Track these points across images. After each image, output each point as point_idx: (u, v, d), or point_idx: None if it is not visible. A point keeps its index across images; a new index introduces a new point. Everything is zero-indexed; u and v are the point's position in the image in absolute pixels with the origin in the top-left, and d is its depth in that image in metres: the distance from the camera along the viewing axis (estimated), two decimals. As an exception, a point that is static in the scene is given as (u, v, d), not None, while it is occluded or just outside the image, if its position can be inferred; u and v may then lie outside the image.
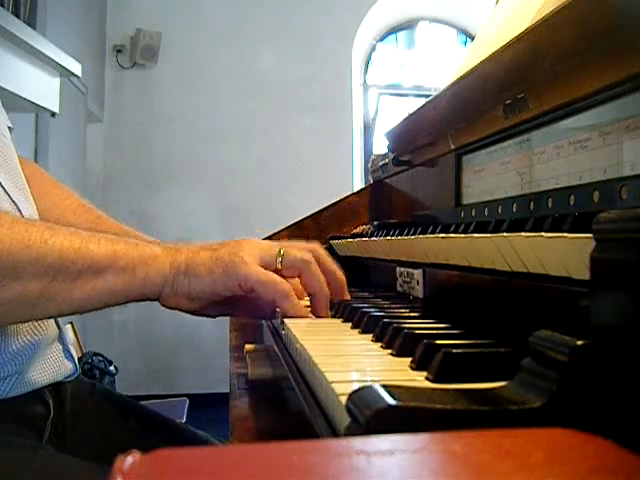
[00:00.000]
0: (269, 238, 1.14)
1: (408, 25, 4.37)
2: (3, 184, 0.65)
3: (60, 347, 0.70)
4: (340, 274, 0.67)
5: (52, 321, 0.68)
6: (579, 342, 0.26)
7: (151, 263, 0.58)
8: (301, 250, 0.64)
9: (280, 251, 0.62)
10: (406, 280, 0.75)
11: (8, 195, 0.64)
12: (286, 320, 0.58)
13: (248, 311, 0.68)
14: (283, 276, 0.61)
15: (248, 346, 0.84)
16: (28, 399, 0.63)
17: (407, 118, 0.98)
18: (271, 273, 0.60)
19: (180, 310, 0.62)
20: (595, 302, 0.29)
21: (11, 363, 0.60)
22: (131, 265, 0.57)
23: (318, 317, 0.64)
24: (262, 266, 0.60)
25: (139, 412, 0.81)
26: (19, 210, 0.65)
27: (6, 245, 0.51)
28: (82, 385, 0.78)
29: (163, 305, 0.61)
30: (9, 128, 0.82)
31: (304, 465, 0.20)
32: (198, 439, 0.80)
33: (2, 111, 0.79)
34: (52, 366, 0.67)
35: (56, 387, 0.70)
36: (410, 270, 0.73)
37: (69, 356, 0.71)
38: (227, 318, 1.15)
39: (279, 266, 0.62)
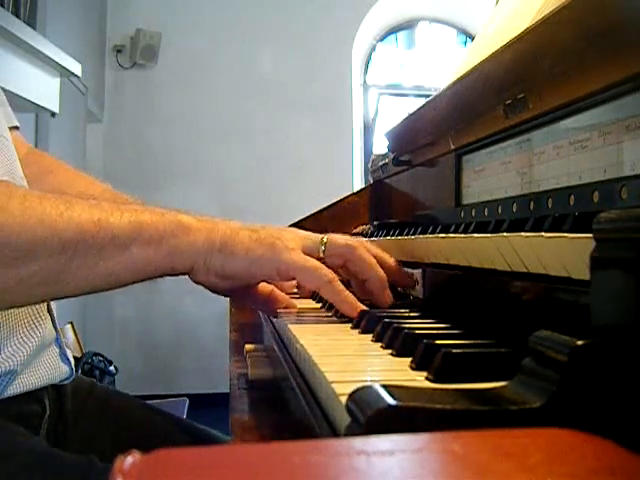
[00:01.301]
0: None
1: (408, 25, 4.37)
2: None
3: (57, 350, 0.69)
4: (391, 260, 0.64)
5: (49, 323, 0.68)
6: (579, 342, 0.26)
7: (180, 235, 0.54)
8: (339, 248, 0.61)
9: (323, 239, 0.60)
10: (406, 280, 0.75)
11: None
12: (287, 321, 0.58)
13: (263, 304, 0.65)
14: (327, 265, 0.59)
15: (248, 346, 0.84)
16: (23, 399, 0.62)
17: (407, 118, 0.98)
18: (314, 260, 0.57)
19: (206, 287, 0.59)
20: (595, 302, 0.29)
21: (5, 363, 0.60)
22: (157, 237, 0.53)
23: (379, 303, 0.61)
24: (305, 254, 0.58)
25: (140, 409, 0.81)
26: None
27: (18, 220, 0.48)
28: (82, 384, 0.78)
29: (193, 280, 0.58)
30: (16, 127, 0.82)
31: (305, 465, 0.20)
32: (200, 435, 0.80)
33: (7, 112, 0.79)
34: (48, 369, 0.66)
35: (55, 387, 0.70)
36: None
37: (65, 359, 0.70)
38: (227, 318, 1.15)
39: (322, 254, 0.59)
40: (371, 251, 0.63)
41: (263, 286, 0.64)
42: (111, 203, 0.55)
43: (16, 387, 0.61)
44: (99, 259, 0.51)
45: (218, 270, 0.56)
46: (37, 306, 0.65)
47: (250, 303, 0.67)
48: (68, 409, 0.71)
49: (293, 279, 0.59)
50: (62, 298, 0.61)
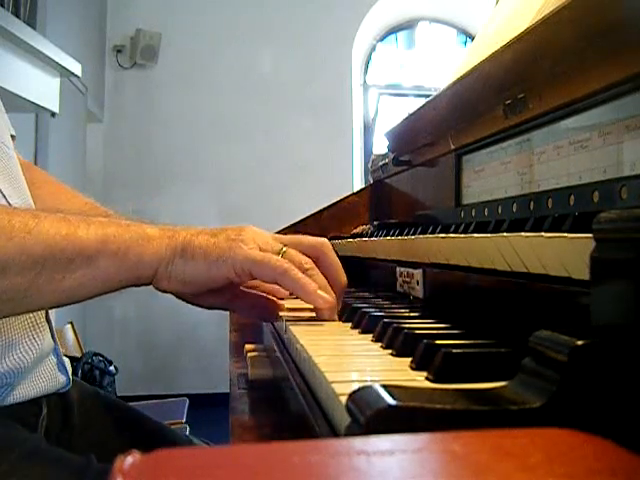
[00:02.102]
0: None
1: (408, 25, 4.37)
2: (5, 193, 0.64)
3: (54, 360, 0.69)
4: (342, 278, 0.63)
5: (48, 334, 0.67)
6: (579, 342, 0.26)
7: (145, 244, 0.56)
8: (306, 248, 0.61)
9: (282, 250, 0.59)
10: (406, 280, 0.75)
11: (9, 204, 0.64)
12: (287, 321, 0.58)
13: (249, 309, 0.65)
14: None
15: (248, 346, 0.84)
16: (20, 405, 0.62)
17: (407, 118, 0.98)
18: (268, 253, 0.57)
19: (173, 294, 0.60)
20: (595, 302, 0.29)
21: (3, 375, 0.59)
22: (123, 248, 0.54)
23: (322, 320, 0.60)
24: None
25: (140, 421, 0.81)
26: None
27: None
28: (86, 392, 0.78)
29: (156, 288, 0.59)
30: (12, 137, 0.81)
31: (304, 465, 0.20)
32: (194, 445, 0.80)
33: (5, 119, 0.78)
34: (45, 379, 0.66)
35: (60, 396, 0.70)
36: (410, 270, 0.73)
37: (63, 369, 0.70)
38: (227, 318, 1.15)
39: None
40: (328, 264, 0.62)
41: (245, 294, 0.64)
42: (78, 216, 0.55)
43: (13, 398, 0.61)
44: (67, 273, 0.52)
45: (179, 275, 0.57)
46: (36, 316, 0.64)
47: (243, 314, 0.67)
48: (74, 419, 0.71)
49: (253, 278, 0.58)
50: (31, 312, 0.61)
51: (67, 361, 0.72)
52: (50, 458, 0.58)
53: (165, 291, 0.59)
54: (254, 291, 0.65)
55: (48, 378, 0.66)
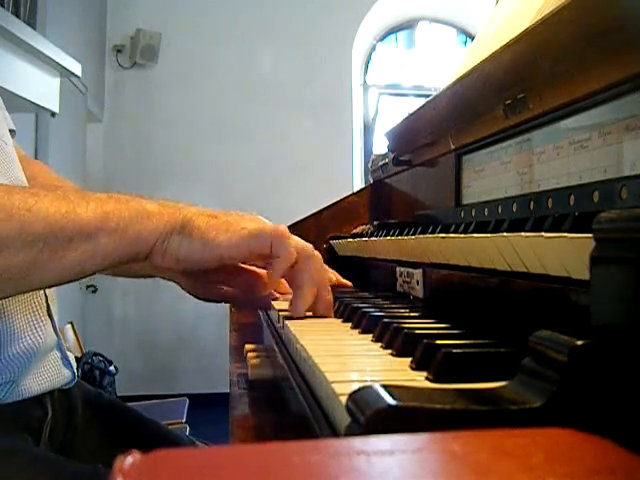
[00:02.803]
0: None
1: (408, 25, 4.37)
2: None
3: (58, 355, 0.69)
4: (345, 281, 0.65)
5: (50, 328, 0.67)
6: (579, 342, 0.26)
7: (144, 221, 0.55)
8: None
9: None
10: (406, 280, 0.75)
11: None
12: (287, 321, 0.58)
13: (246, 300, 0.66)
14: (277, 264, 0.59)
15: (248, 346, 0.84)
16: (25, 403, 0.62)
17: (407, 118, 0.98)
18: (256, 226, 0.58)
19: (168, 278, 0.60)
20: (595, 302, 0.29)
21: (7, 370, 0.59)
22: (122, 225, 0.54)
23: (320, 316, 0.61)
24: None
25: (142, 422, 0.81)
26: None
27: None
28: (89, 394, 0.78)
29: (151, 266, 0.58)
30: (12, 131, 0.81)
31: (304, 465, 0.20)
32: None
33: (5, 115, 0.78)
34: (50, 374, 0.66)
35: (65, 395, 0.70)
36: (410, 270, 0.73)
37: (67, 364, 0.70)
38: (227, 318, 1.15)
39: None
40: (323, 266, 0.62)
41: (237, 271, 0.65)
42: (77, 193, 0.55)
43: (18, 394, 0.61)
44: (67, 250, 0.52)
45: (174, 252, 0.56)
46: (37, 311, 0.64)
47: (236, 303, 0.67)
48: (78, 420, 0.71)
49: (249, 259, 0.59)
50: (32, 290, 0.61)
51: (71, 356, 0.72)
52: (55, 465, 0.58)
53: (158, 267, 0.58)
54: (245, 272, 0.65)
55: (53, 373, 0.66)
